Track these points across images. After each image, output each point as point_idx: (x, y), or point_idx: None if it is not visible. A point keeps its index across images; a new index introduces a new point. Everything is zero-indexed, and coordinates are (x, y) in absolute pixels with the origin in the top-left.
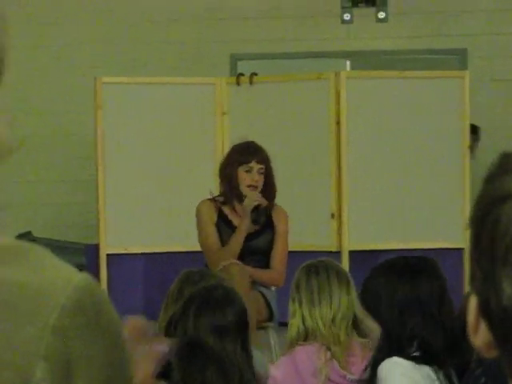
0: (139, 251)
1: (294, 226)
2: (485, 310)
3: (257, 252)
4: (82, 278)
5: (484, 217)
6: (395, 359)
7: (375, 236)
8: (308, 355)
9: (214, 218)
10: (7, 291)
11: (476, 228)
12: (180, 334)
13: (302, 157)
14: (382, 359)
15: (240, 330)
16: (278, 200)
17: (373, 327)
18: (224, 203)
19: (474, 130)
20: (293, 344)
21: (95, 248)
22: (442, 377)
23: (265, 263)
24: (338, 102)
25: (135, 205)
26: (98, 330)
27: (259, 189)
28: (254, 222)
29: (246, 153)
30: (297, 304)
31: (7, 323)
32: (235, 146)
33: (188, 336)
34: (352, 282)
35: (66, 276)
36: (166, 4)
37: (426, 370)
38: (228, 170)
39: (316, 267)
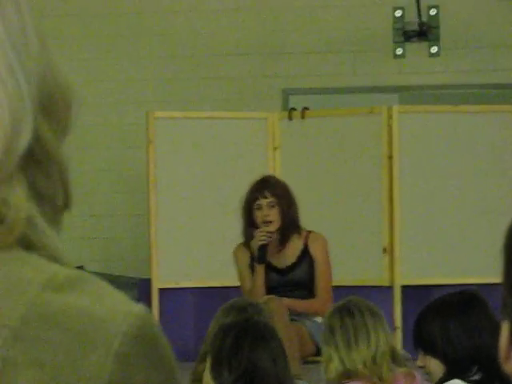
0: (191, 285)
1: (345, 261)
2: None
3: (295, 285)
4: (142, 309)
5: None
6: (456, 381)
7: (428, 271)
8: None
9: (248, 260)
10: (72, 318)
11: (508, 256)
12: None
13: (354, 190)
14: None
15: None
16: (330, 234)
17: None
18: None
19: None
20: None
21: (147, 282)
22: None
23: (307, 295)
24: (390, 137)
25: (187, 239)
26: (157, 360)
27: (276, 222)
28: (259, 260)
29: (254, 190)
30: (333, 347)
31: (72, 348)
32: (252, 183)
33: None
34: (384, 317)
35: (126, 306)
36: (218, 38)
37: None
38: (243, 211)
39: (348, 308)
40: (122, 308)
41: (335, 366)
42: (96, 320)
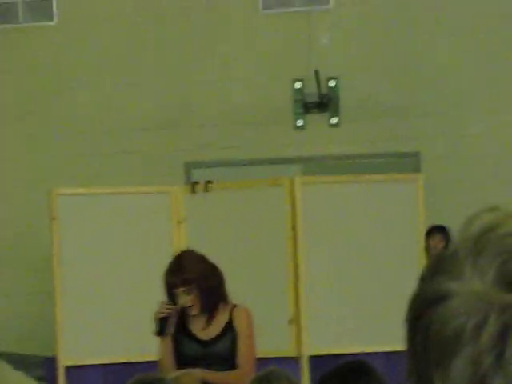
0: (97, 362)
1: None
2: None
3: (217, 358)
4: None
5: (417, 319)
6: None
7: (335, 340)
8: None
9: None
10: None
11: (410, 330)
12: None
13: (259, 262)
14: None
15: None
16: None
17: None
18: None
19: (443, 230)
20: None
21: (53, 360)
22: None
23: (227, 370)
24: (293, 208)
25: (92, 316)
26: None
27: (195, 305)
28: (158, 333)
29: (169, 277)
30: None
31: None
32: (167, 266)
33: None
34: None
35: None
36: (121, 114)
37: None
38: (165, 291)
39: (268, 379)
40: None
41: None
42: None
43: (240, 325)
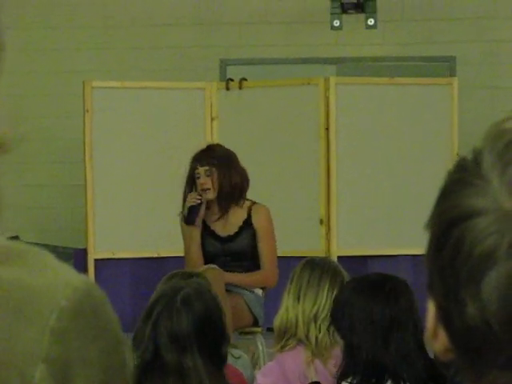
0: (127, 256)
1: (282, 232)
2: (445, 321)
3: (236, 254)
4: (82, 280)
5: (444, 235)
6: None
7: (364, 241)
8: (294, 361)
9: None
10: (8, 291)
11: (435, 245)
12: (139, 345)
13: (290, 161)
14: None
15: (201, 339)
16: (267, 204)
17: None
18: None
19: None
20: (277, 339)
21: (83, 252)
22: None
23: (247, 266)
24: (326, 108)
25: (123, 209)
26: (97, 333)
27: (212, 190)
28: (187, 221)
29: (194, 159)
30: (286, 294)
31: (8, 324)
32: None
33: (147, 350)
34: None
35: (66, 278)
36: (157, 9)
37: None
38: (186, 180)
39: (313, 263)
40: (61, 281)
41: (281, 313)
42: (33, 294)
43: (259, 222)
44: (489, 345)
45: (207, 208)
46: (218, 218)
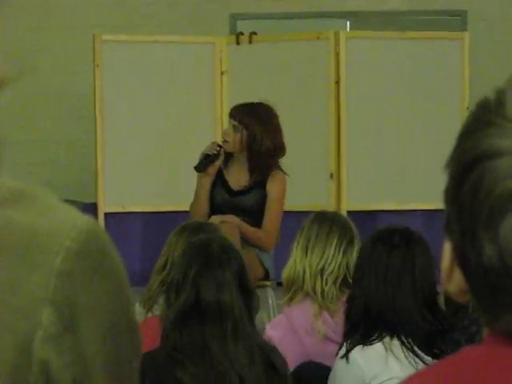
0: (137, 210)
1: (292, 186)
2: (462, 262)
3: (244, 209)
4: (88, 221)
5: (465, 172)
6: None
7: (374, 196)
8: (303, 314)
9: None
10: (15, 234)
11: (456, 182)
12: (182, 298)
13: (300, 116)
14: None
15: (240, 285)
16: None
17: None
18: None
19: None
20: (285, 290)
21: (93, 207)
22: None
23: (251, 224)
24: (337, 62)
25: (134, 164)
26: (103, 274)
27: (232, 144)
28: (196, 167)
29: (230, 110)
30: (295, 247)
31: (15, 267)
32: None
33: (188, 301)
34: (356, 243)
35: (72, 219)
36: None
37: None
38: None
39: (323, 217)
40: (67, 222)
41: (289, 265)
42: (38, 236)
43: (272, 188)
44: (504, 287)
45: (230, 160)
46: (239, 176)
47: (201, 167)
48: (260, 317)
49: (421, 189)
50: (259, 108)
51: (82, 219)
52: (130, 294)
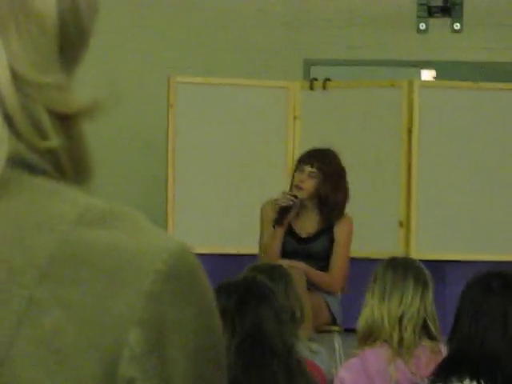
0: (207, 252)
1: (361, 233)
2: None
3: (312, 256)
4: (178, 244)
5: None
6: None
7: (443, 246)
8: (377, 358)
9: (273, 217)
10: (103, 255)
11: None
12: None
13: (372, 163)
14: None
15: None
16: (348, 205)
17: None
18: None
19: None
20: (361, 339)
21: None
22: None
23: (321, 269)
24: (410, 110)
25: (204, 205)
26: (192, 297)
27: (307, 192)
28: (275, 222)
29: (303, 156)
30: (370, 295)
31: (103, 286)
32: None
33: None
34: (431, 287)
35: (163, 241)
36: (243, 8)
37: None
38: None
39: (396, 263)
40: (157, 244)
41: (365, 313)
42: (128, 257)
43: (340, 232)
44: None
45: (301, 207)
46: (307, 222)
47: (279, 221)
48: (327, 361)
49: (492, 239)
50: (332, 155)
51: (173, 242)
52: (219, 321)
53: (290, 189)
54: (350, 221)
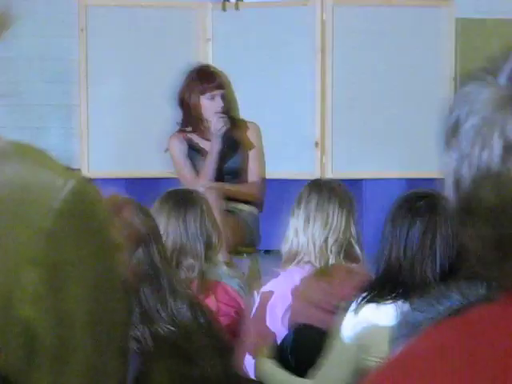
0: (121, 176)
1: (277, 154)
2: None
3: (234, 172)
4: (79, 181)
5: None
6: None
7: (358, 164)
8: (302, 276)
9: (185, 149)
10: (6, 190)
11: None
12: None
13: (285, 84)
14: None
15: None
16: (262, 127)
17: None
18: (193, 132)
19: None
20: (286, 262)
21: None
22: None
23: (240, 181)
24: (323, 29)
25: (118, 129)
26: (89, 235)
27: (224, 113)
28: (223, 145)
29: (206, 81)
30: (295, 218)
31: (5, 225)
32: (192, 72)
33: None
34: (354, 209)
35: (63, 179)
36: None
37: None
38: (191, 100)
39: (320, 185)
40: (57, 182)
41: (290, 237)
42: (29, 196)
43: (250, 138)
44: None
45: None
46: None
47: (227, 141)
48: (244, 285)
49: (405, 158)
50: (215, 68)
51: (74, 179)
52: (117, 254)
53: (186, 114)
54: (257, 125)
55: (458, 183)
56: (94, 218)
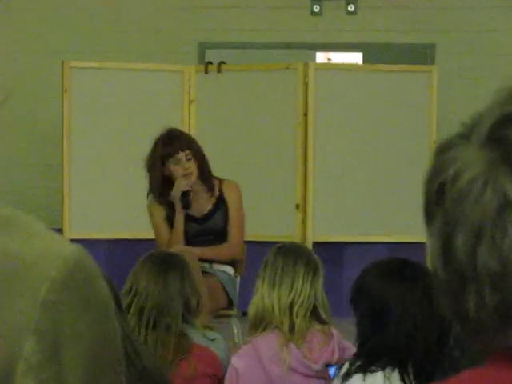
0: (102, 237)
1: (258, 217)
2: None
3: (214, 232)
4: (74, 250)
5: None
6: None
7: (339, 228)
8: (269, 344)
9: (163, 214)
10: (0, 261)
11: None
12: None
13: (268, 146)
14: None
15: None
16: (244, 189)
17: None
18: (160, 197)
19: None
20: (252, 326)
21: (58, 233)
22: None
23: (223, 241)
24: (305, 93)
25: (100, 191)
26: (88, 304)
27: (194, 173)
28: (185, 205)
29: (168, 145)
30: (260, 282)
31: (0, 295)
32: (158, 139)
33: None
34: (321, 272)
35: (58, 248)
36: None
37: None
38: (154, 166)
39: (287, 249)
40: (52, 251)
41: (256, 302)
42: (23, 265)
43: (231, 197)
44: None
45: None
46: (202, 201)
47: (187, 203)
48: (223, 348)
49: (387, 221)
50: (182, 132)
51: (67, 247)
52: (116, 323)
53: (152, 181)
54: (237, 184)
55: (447, 250)
56: (92, 287)
